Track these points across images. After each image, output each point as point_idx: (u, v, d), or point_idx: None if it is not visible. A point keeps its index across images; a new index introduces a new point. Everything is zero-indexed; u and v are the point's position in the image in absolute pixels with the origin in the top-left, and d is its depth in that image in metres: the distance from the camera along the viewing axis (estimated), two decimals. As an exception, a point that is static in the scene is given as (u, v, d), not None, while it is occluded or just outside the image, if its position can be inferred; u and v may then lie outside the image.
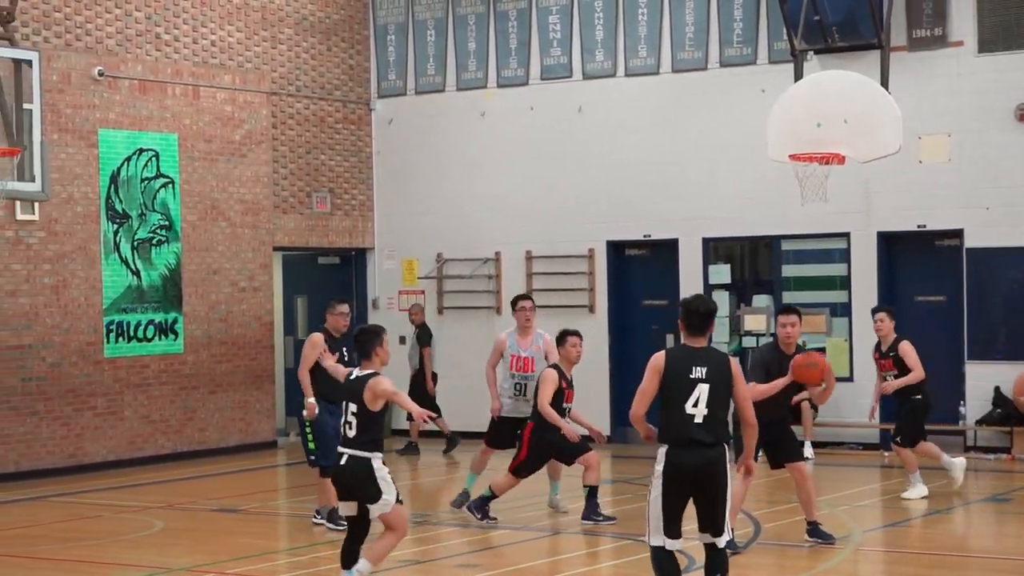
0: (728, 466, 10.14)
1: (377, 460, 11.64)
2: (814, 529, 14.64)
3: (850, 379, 22.68)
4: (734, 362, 10.34)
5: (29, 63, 17.58)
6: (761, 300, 23.67)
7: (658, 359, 10.17)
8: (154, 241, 22.91)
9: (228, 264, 24.01)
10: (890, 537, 15.68)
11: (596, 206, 24.49)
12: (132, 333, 22.57)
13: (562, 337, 16.51)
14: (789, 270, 23.51)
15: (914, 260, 22.74)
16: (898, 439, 17.52)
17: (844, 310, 22.99)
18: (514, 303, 17.50)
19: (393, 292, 26.28)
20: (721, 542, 10.12)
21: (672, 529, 10.07)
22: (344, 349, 15.63)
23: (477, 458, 17.32)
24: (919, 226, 22.40)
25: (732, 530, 10.32)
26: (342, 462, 11.74)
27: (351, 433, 11.70)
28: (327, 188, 25.94)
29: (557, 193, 24.79)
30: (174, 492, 19.66)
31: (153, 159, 22.91)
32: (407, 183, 26.29)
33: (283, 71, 25.19)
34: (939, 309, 22.49)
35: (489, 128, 25.54)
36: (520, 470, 16.20)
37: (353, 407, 11.71)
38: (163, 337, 22.97)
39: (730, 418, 11.43)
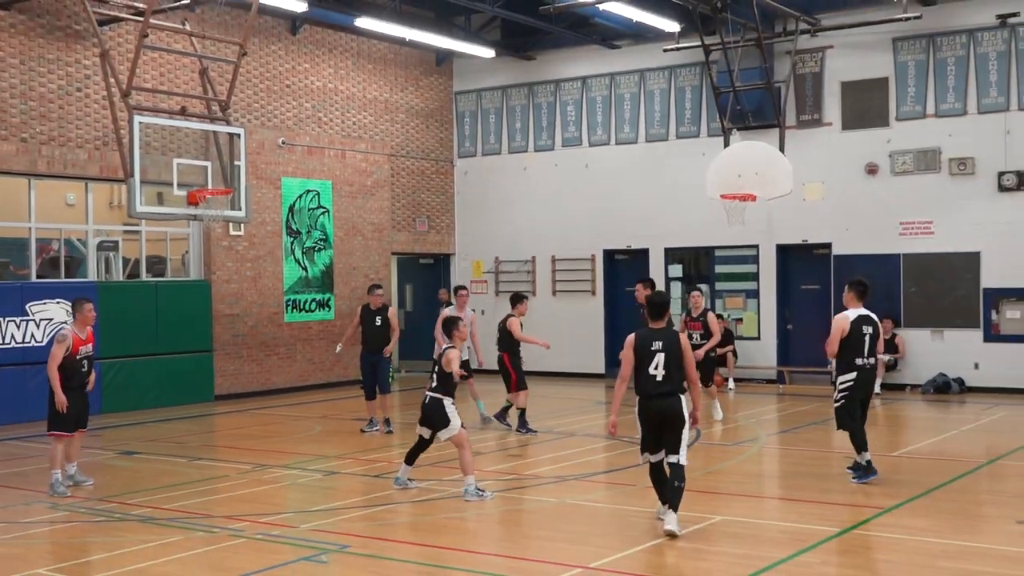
0: (684, 410, 9.62)
1: (447, 400, 11.31)
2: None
3: (758, 338, 22.63)
4: (683, 337, 9.80)
5: (238, 135, 17.62)
6: (702, 287, 23.60)
7: (631, 339, 9.79)
8: (316, 249, 22.99)
9: (362, 263, 24.06)
10: (784, 439, 15.62)
11: (597, 227, 24.47)
12: (302, 307, 22.66)
13: (520, 299, 16.49)
14: (720, 268, 23.42)
15: (799, 262, 22.64)
16: (708, 384, 16.50)
17: (754, 294, 22.93)
18: (456, 291, 17.43)
19: (467, 282, 26.29)
20: (676, 459, 9.60)
21: (651, 449, 9.75)
22: (377, 317, 16.00)
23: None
24: (803, 240, 22.31)
25: (686, 454, 9.69)
26: (426, 401, 11.40)
27: (433, 384, 11.39)
28: (425, 215, 25.97)
29: (572, 219, 24.77)
30: (328, 409, 19.76)
31: (316, 196, 22.99)
32: (476, 212, 26.29)
33: (398, 141, 25.21)
34: (815, 294, 22.40)
35: (528, 177, 25.52)
36: (519, 385, 16.06)
37: (437, 367, 11.43)
38: (321, 310, 23.05)
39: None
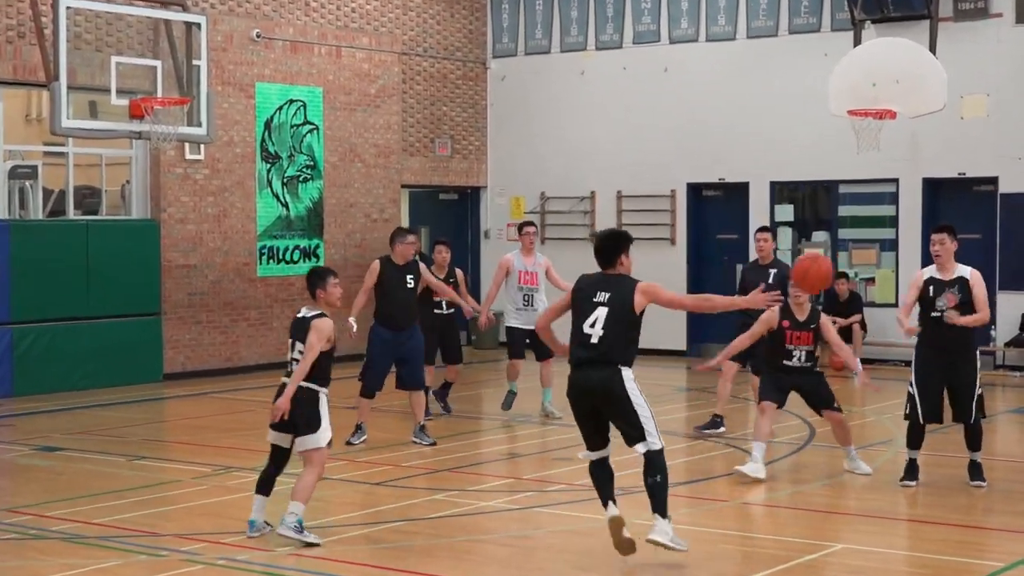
0: (628, 383, 9.36)
1: (323, 395, 10.48)
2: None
3: (895, 305, 22.45)
4: (643, 286, 9.56)
5: (198, 26, 17.64)
6: (820, 236, 23.47)
7: (576, 282, 9.83)
8: (301, 178, 23.00)
9: (363, 199, 24.05)
10: (927, 442, 15.46)
11: (678, 153, 24.35)
12: (281, 256, 22.70)
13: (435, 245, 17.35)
14: (845, 210, 23.26)
15: (954, 203, 22.41)
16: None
17: (891, 246, 22.76)
18: (520, 228, 17.16)
19: (503, 224, 26.27)
20: (644, 447, 9.35)
21: (589, 443, 9.67)
22: (408, 277, 14.89)
23: (509, 370, 16.85)
24: (960, 174, 22.11)
25: (658, 434, 9.41)
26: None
27: (294, 366, 10.44)
28: (448, 135, 25.91)
29: (645, 141, 24.66)
30: (315, 391, 19.74)
31: (301, 108, 22.97)
32: (516, 131, 26.23)
33: (412, 34, 25.12)
34: (974, 245, 22.13)
35: (587, 85, 25.40)
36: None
37: (300, 345, 10.46)
38: (307, 260, 23.07)
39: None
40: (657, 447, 9.35)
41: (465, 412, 17.41)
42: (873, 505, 11.90)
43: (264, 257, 22.47)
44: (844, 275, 22.54)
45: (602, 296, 9.48)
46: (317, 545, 10.15)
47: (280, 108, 22.67)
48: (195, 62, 17.69)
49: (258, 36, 22.27)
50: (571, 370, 9.53)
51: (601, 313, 9.41)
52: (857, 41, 20.72)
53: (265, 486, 10.59)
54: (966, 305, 12.35)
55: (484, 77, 26.55)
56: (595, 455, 9.64)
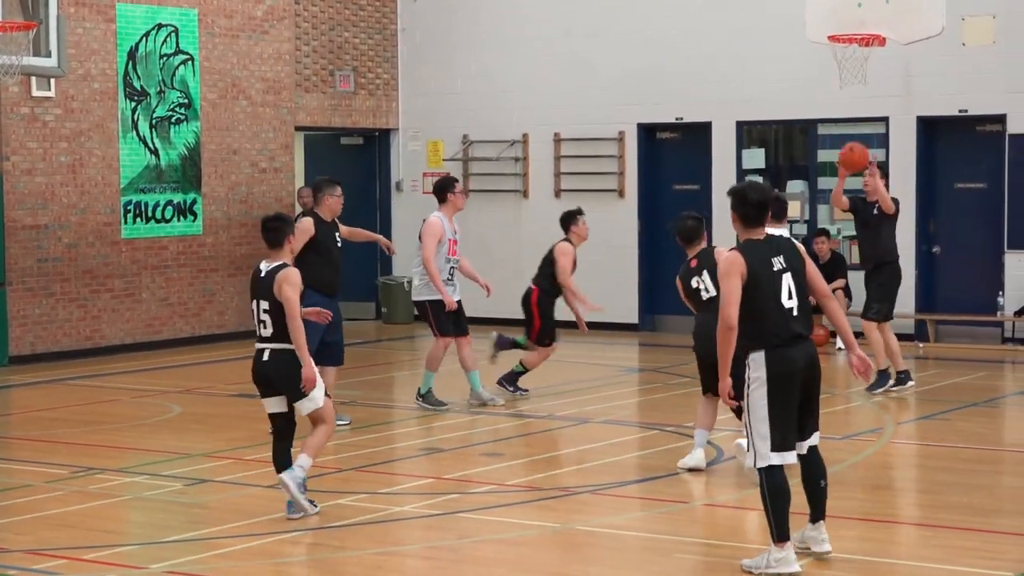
0: None
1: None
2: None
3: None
4: (797, 244, 10.17)
5: (45, -67, 17.54)
6: (796, 186, 23.54)
7: (735, 258, 9.66)
8: (173, 120, 22.85)
9: (248, 144, 23.93)
10: (924, 431, 15.62)
11: (627, 87, 24.31)
12: (150, 214, 22.56)
13: (574, 216, 17.05)
14: (825, 155, 23.26)
15: (955, 146, 22.55)
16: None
17: (880, 197, 22.86)
18: (451, 185, 17.01)
19: (417, 174, 26.19)
20: (817, 439, 9.90)
21: (789, 440, 9.65)
22: (337, 236, 15.34)
23: (433, 352, 16.59)
24: (960, 111, 22.20)
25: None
26: (264, 358, 11.48)
27: (267, 331, 11.43)
28: (351, 66, 25.81)
29: (587, 73, 24.62)
30: (192, 376, 19.67)
31: (172, 35, 22.80)
32: (433, 62, 26.13)
33: (306, -56, 25.04)
34: (979, 196, 22.34)
35: (519, 4, 25.33)
36: (542, 338, 16.65)
37: (265, 304, 11.44)
38: (182, 218, 22.95)
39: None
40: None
41: (373, 400, 17.40)
42: (865, 506, 12.00)
43: (130, 215, 22.30)
44: (825, 233, 22.64)
45: (778, 263, 9.77)
46: (316, 513, 11.32)
47: (147, 34, 22.48)
48: (43, -22, 17.60)
49: (119, -53, 22.16)
50: (774, 351, 9.59)
51: (788, 281, 9.76)
52: (839, -48, 20.81)
53: (281, 464, 11.52)
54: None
55: (394, -3, 26.54)
56: (789, 457, 9.70)
